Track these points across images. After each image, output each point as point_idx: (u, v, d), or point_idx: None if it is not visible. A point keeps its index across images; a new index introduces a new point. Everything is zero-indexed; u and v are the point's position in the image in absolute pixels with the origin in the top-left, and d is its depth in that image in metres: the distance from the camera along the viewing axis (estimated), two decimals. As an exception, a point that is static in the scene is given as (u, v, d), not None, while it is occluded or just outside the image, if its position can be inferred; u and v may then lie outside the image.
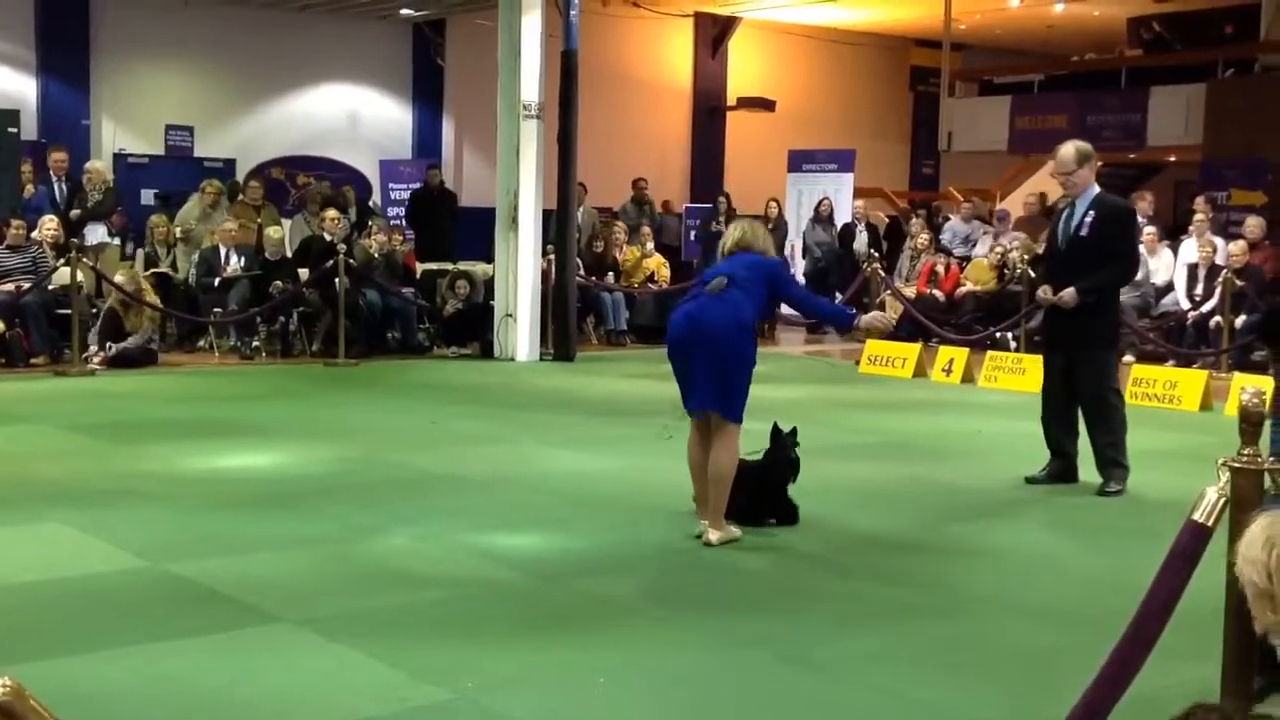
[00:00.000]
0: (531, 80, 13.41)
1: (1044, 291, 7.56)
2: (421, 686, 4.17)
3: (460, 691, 4.14)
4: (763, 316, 6.37)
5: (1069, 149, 7.48)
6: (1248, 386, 3.02)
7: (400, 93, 20.42)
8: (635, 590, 5.37)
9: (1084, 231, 7.38)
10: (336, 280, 12.76)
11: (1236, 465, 2.95)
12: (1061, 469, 7.65)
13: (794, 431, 6.56)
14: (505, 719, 3.95)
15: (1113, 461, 7.41)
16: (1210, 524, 2.92)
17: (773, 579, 5.68)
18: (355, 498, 6.89)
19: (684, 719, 4.02)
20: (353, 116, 20.01)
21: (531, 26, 13.39)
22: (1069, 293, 7.35)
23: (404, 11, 19.18)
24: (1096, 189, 7.51)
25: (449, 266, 15.25)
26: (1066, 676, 3.70)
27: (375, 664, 4.36)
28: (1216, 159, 18.18)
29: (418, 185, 17.97)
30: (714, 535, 6.06)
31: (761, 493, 6.41)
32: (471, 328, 14.00)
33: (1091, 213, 7.38)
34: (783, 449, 6.50)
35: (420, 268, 15.28)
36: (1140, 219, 14.97)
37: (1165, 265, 14.68)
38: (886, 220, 19.77)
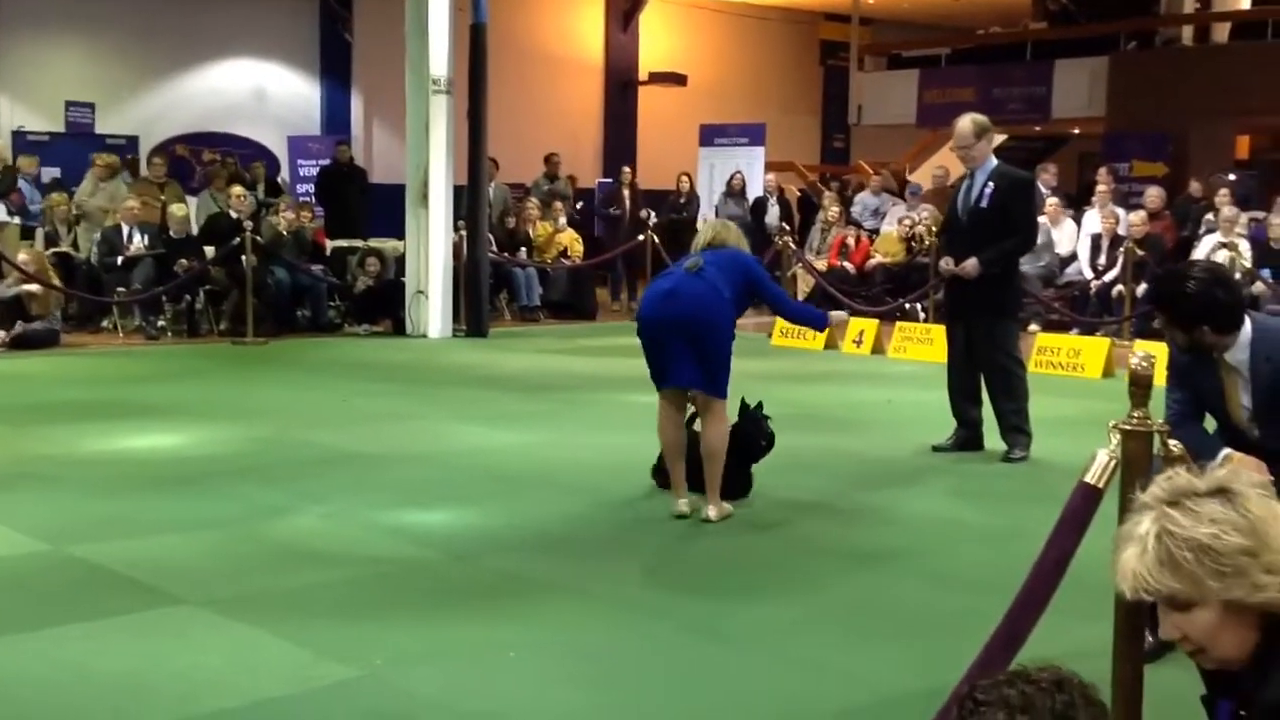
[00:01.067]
0: (440, 55, 13.28)
1: (946, 263, 7.67)
2: (328, 665, 4.14)
3: (368, 669, 4.11)
4: (739, 310, 6.28)
5: (966, 122, 7.54)
6: (1138, 351, 3.08)
7: (308, 68, 20.13)
8: (547, 565, 5.37)
9: (983, 203, 7.47)
10: (244, 258, 12.58)
11: (1127, 428, 3.01)
12: (967, 437, 7.77)
13: (760, 406, 6.59)
14: (413, 695, 3.95)
15: (1016, 429, 7.54)
16: (1101, 485, 2.98)
17: (685, 551, 5.71)
18: (263, 477, 6.82)
19: (592, 692, 4.04)
20: (259, 92, 19.69)
21: (439, 0, 13.25)
22: (971, 263, 7.46)
23: (310, -15, 18.93)
24: (994, 161, 7.60)
25: (359, 244, 15.11)
26: (971, 639, 3.76)
27: (281, 644, 4.32)
28: (1119, 131, 18.50)
29: (326, 162, 17.75)
30: (713, 512, 6.06)
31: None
32: (383, 305, 13.89)
33: (990, 184, 7.48)
34: (753, 423, 6.50)
35: (330, 245, 15.12)
36: (1044, 190, 15.25)
37: (1069, 236, 14.93)
38: (798, 193, 19.88)
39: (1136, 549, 2.07)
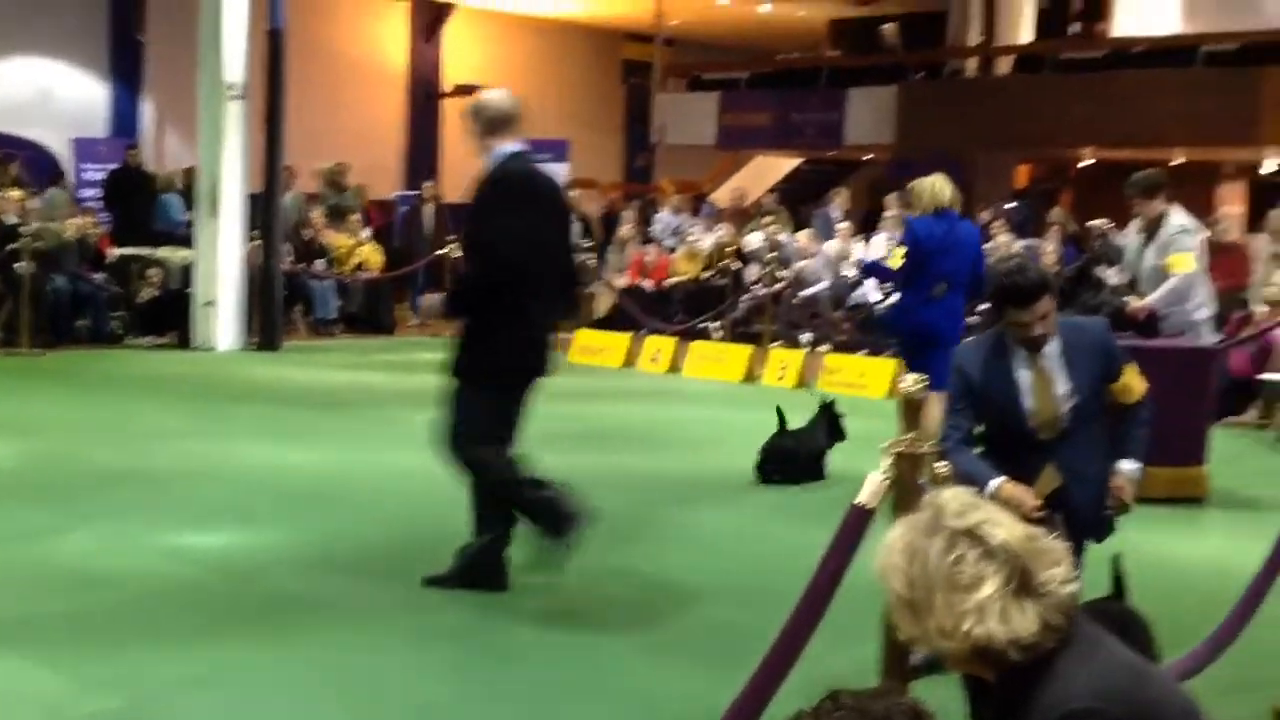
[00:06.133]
0: (235, 60, 12.95)
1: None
2: (93, 694, 3.97)
3: (134, 699, 3.95)
4: None
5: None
6: (908, 374, 3.17)
7: (96, 67, 19.35)
8: (332, 587, 5.25)
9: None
10: (17, 265, 12.02)
11: (898, 450, 3.10)
12: None
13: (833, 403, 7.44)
14: (183, 724, 3.81)
15: None
16: (873, 507, 3.06)
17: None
18: (33, 496, 6.51)
19: (367, 716, 3.95)
20: (44, 92, 18.83)
21: (235, 2, 12.91)
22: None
23: (99, -20, 18.21)
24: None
25: (145, 252, 14.57)
26: (752, 656, 3.82)
27: (43, 672, 4.13)
28: (907, 158, 19.09)
29: (115, 165, 17.10)
30: None
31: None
32: (168, 316, 13.43)
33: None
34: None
35: (117, 253, 14.54)
36: (833, 217, 15.73)
37: (858, 260, 15.33)
38: (601, 213, 19.95)
39: (891, 544, 2.14)
